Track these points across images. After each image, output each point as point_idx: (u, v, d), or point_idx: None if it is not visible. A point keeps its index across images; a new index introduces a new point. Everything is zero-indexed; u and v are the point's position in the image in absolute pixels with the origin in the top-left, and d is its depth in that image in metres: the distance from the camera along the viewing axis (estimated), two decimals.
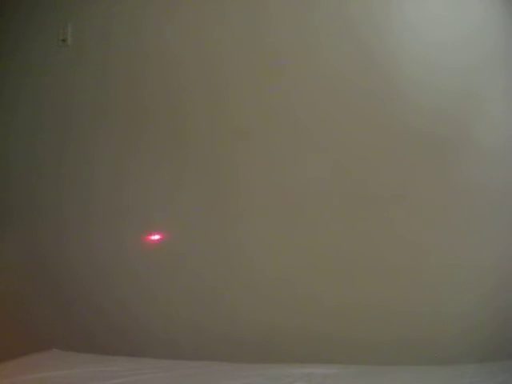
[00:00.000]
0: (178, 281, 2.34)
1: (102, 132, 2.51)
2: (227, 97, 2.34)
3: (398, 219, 2.11)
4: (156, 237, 2.39)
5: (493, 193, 2.03)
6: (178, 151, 2.40)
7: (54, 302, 2.47)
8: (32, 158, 2.61)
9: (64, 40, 2.54)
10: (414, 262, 2.08)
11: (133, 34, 2.49)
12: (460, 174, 2.06)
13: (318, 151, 2.21)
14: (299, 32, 2.25)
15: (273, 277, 2.22)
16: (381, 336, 2.04)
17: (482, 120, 2.05)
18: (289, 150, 2.25)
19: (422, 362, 1.88)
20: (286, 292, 2.19)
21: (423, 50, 2.12)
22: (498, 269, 1.98)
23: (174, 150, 2.40)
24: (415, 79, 2.12)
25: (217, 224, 2.31)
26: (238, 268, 2.27)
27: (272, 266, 2.22)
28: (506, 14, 2.06)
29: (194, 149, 2.38)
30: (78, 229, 2.50)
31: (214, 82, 2.36)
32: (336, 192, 2.18)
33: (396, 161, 2.13)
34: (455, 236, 2.05)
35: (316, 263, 2.17)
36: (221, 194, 2.32)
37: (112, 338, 2.34)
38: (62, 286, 2.49)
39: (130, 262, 2.40)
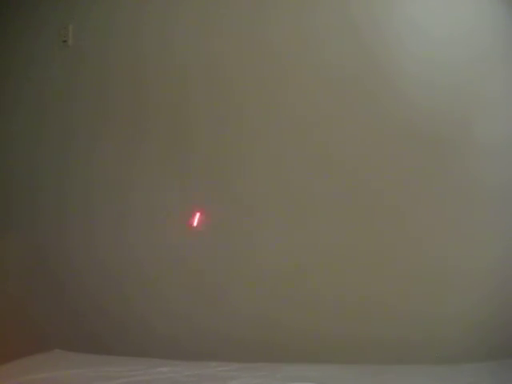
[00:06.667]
0: (182, 280, 2.35)
1: (103, 131, 2.52)
2: (229, 96, 2.35)
3: (400, 218, 2.13)
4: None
5: (494, 191, 2.04)
6: (181, 148, 2.40)
7: (56, 302, 2.48)
8: (33, 158, 2.61)
9: (65, 41, 2.55)
10: (416, 260, 2.09)
11: (134, 35, 2.50)
12: (461, 172, 2.07)
13: (321, 149, 2.22)
14: (300, 30, 2.26)
15: (276, 275, 2.23)
16: (382, 335, 2.05)
17: (484, 117, 2.06)
18: (292, 148, 2.26)
19: (423, 361, 1.90)
20: (289, 291, 2.20)
21: (424, 47, 2.12)
22: (498, 268, 2.00)
23: (177, 146, 2.41)
24: (416, 76, 2.12)
25: (220, 222, 2.32)
26: (241, 267, 2.28)
27: (275, 264, 2.23)
28: (505, 9, 2.07)
29: (197, 147, 2.38)
30: (81, 228, 2.51)
31: (215, 80, 2.36)
32: (339, 190, 2.19)
33: (397, 159, 2.14)
34: (456, 234, 2.07)
35: (318, 262, 2.18)
36: (224, 193, 2.33)
37: (115, 338, 2.35)
38: (65, 285, 2.49)
39: (133, 261, 2.41)
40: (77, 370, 1.81)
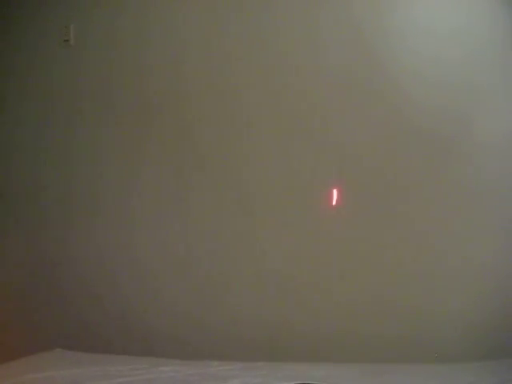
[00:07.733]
0: (184, 279, 2.36)
1: (106, 130, 2.52)
2: (233, 94, 2.35)
3: (400, 217, 2.14)
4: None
5: (495, 189, 2.04)
6: (184, 147, 2.41)
7: (58, 301, 2.48)
8: (37, 158, 2.62)
9: (67, 40, 2.55)
10: (416, 259, 2.10)
11: (136, 35, 2.50)
12: (462, 170, 2.08)
13: (323, 148, 2.23)
14: (304, 30, 2.27)
15: (278, 275, 2.24)
16: (382, 334, 2.06)
17: (484, 113, 2.06)
18: (295, 148, 2.27)
19: (423, 360, 1.91)
20: (290, 289, 2.21)
21: (425, 45, 2.13)
22: (498, 267, 2.01)
23: (180, 147, 2.41)
24: (418, 75, 2.13)
25: (223, 222, 2.33)
26: (244, 266, 2.29)
27: (278, 263, 2.24)
28: (504, 6, 2.08)
29: (201, 146, 2.39)
30: (84, 228, 2.51)
31: (219, 79, 2.37)
32: (340, 190, 2.19)
33: (399, 157, 2.15)
34: (456, 233, 2.07)
35: (320, 261, 2.19)
36: (228, 192, 2.34)
37: (116, 337, 2.35)
38: (66, 284, 2.49)
39: (135, 261, 2.42)
40: (78, 369, 1.81)
